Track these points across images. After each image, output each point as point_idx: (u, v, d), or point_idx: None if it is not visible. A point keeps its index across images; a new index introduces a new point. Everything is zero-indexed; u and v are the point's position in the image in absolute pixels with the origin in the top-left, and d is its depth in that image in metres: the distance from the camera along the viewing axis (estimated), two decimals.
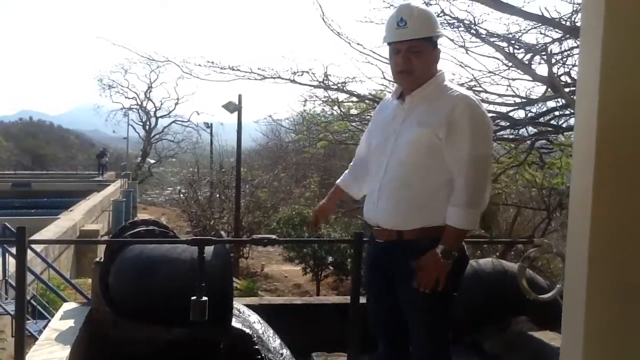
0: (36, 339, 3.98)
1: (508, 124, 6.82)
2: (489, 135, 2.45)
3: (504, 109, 6.66)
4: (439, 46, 2.49)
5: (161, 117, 43.29)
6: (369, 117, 8.98)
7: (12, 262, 6.06)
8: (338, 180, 2.90)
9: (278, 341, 4.16)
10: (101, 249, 5.75)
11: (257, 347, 4.12)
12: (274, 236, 3.38)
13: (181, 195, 20.13)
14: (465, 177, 2.30)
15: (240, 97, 15.31)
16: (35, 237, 9.51)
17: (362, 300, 3.36)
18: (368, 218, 2.59)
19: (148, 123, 43.33)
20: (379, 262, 2.57)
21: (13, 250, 5.14)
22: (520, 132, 7.28)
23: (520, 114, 6.79)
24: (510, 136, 7.24)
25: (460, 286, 2.41)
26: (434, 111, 2.37)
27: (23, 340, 2.94)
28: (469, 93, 2.54)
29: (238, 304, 4.02)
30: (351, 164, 2.85)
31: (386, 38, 2.47)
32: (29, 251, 3.02)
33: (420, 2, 2.55)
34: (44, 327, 4.50)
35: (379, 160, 2.51)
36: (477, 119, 2.34)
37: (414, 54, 2.38)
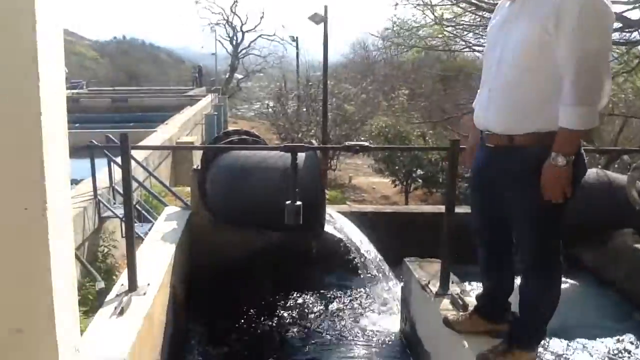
0: (142, 239, 4.25)
1: (620, 25, 6.19)
2: (604, 25, 2.14)
3: (617, 8, 6.02)
4: None
5: (247, 31, 43.30)
6: (462, 22, 8.47)
7: (117, 171, 6.43)
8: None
9: (370, 247, 4.22)
10: (197, 159, 5.95)
11: (349, 251, 4.20)
12: (366, 143, 3.31)
13: (269, 109, 20.38)
14: (575, 72, 2.08)
15: (326, 8, 14.87)
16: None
17: (457, 210, 3.30)
18: (478, 123, 2.48)
19: (235, 38, 43.55)
20: (487, 168, 2.46)
21: (117, 159, 5.44)
22: (633, 35, 6.60)
23: (635, 14, 6.13)
24: (622, 39, 6.58)
25: (574, 196, 2.26)
26: (544, 2, 2.16)
27: (133, 240, 3.13)
28: None
29: (330, 210, 4.06)
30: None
31: None
32: (131, 162, 3.16)
33: None
34: (149, 230, 4.80)
35: (489, 63, 2.42)
36: (588, 7, 2.08)
37: None
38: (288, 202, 3.31)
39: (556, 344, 3.56)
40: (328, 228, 4.05)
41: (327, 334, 3.83)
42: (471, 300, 2.97)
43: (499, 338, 2.56)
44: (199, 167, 4.48)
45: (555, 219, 2.30)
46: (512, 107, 2.28)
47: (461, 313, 2.85)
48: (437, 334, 2.98)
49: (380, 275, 4.22)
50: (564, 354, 3.49)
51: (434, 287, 3.25)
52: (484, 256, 2.63)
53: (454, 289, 3.19)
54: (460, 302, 2.99)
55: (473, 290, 3.25)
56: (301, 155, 3.62)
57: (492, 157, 2.41)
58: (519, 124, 2.27)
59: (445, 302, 3.08)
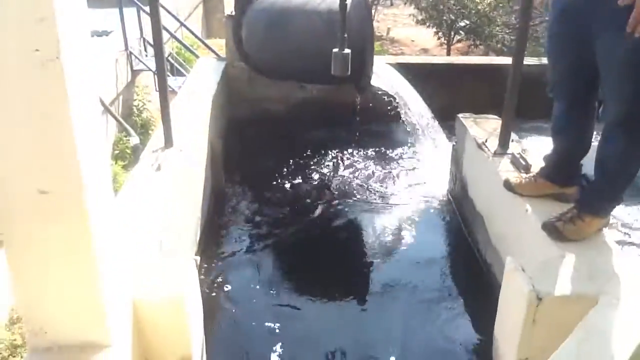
0: (176, 93, 4.02)
1: None
2: None
3: None
4: None
5: None
6: None
7: (147, 22, 6.06)
8: None
9: (418, 101, 3.91)
10: (229, 7, 5.50)
11: (395, 106, 3.91)
12: None
13: None
14: None
15: None
16: None
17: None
18: None
19: None
20: (573, 7, 2.06)
21: (147, 9, 5.05)
22: None
23: None
24: None
25: None
26: None
27: (166, 94, 2.88)
28: None
29: (376, 61, 3.70)
30: None
31: None
32: (160, 10, 2.80)
33: None
34: (183, 83, 4.56)
35: None
36: None
37: None
38: (335, 50, 2.96)
39: (622, 210, 3.28)
40: (373, 80, 3.72)
41: (369, 192, 3.67)
42: (534, 161, 2.72)
43: (567, 203, 2.34)
44: (233, 13, 4.09)
45: None
46: None
47: (524, 175, 2.60)
48: (493, 196, 2.76)
49: (429, 131, 3.96)
50: (632, 221, 3.27)
51: (492, 145, 2.98)
52: (561, 111, 2.30)
53: (515, 147, 2.92)
54: (522, 162, 2.73)
55: (535, 150, 2.97)
56: None
57: None
58: None
59: (505, 162, 2.82)
